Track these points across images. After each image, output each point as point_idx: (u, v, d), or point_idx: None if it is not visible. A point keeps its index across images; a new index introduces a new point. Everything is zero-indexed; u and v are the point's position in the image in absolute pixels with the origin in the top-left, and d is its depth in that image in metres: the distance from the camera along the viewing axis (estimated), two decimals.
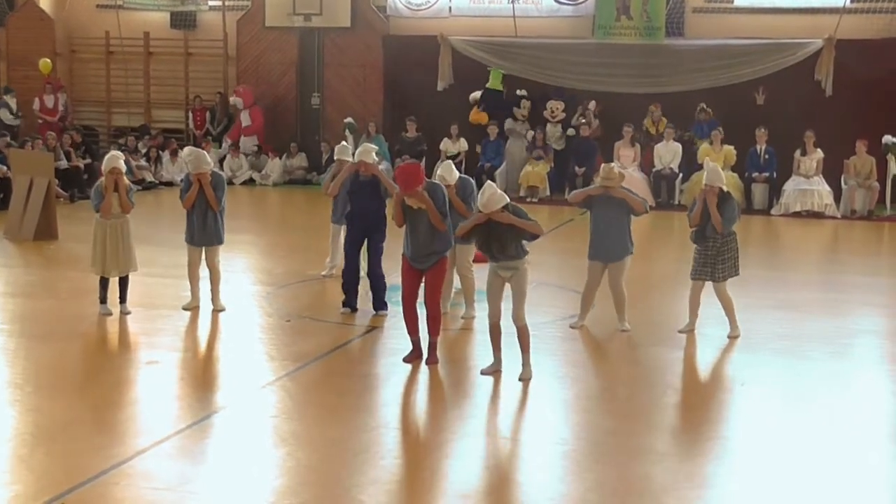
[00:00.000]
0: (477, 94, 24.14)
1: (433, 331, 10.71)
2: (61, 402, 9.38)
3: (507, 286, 10.26)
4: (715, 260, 11.80)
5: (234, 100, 25.69)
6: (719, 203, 11.66)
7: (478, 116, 23.93)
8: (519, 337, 10.27)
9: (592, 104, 23.62)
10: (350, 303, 12.76)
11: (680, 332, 12.03)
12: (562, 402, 9.85)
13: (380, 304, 12.70)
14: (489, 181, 11.09)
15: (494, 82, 24.28)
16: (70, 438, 8.42)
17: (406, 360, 10.67)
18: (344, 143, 15.27)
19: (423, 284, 10.74)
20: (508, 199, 10.10)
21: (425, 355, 10.68)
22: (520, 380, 10.15)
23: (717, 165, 12.61)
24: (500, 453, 8.65)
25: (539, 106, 24.21)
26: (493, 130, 24.03)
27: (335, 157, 14.17)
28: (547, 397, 9.92)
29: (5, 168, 20.24)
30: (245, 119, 25.70)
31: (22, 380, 9.92)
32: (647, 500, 7.51)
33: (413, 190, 10.31)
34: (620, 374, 10.77)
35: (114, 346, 11.64)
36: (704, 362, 11.33)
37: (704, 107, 22.99)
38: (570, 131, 23.69)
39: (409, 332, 10.78)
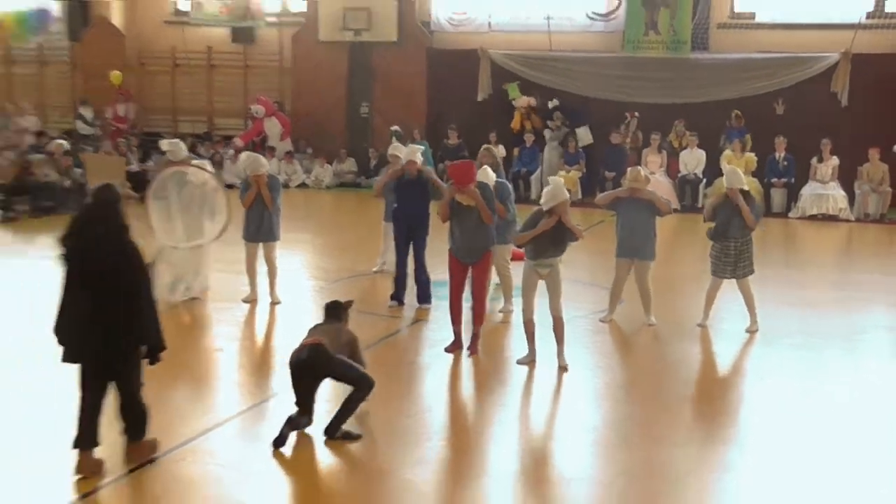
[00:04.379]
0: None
1: (477, 322, 10.79)
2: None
3: (541, 283, 10.33)
4: (737, 259, 11.82)
5: (254, 108, 25.76)
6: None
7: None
8: (555, 328, 10.33)
9: (636, 114, 23.54)
10: (398, 296, 12.85)
11: (699, 325, 12.07)
12: (592, 391, 9.89)
13: (424, 297, 12.77)
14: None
15: (513, 94, 24.43)
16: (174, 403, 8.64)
17: (448, 349, 10.75)
18: (396, 143, 15.29)
19: (469, 278, 10.84)
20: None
21: (466, 345, 10.76)
22: (559, 368, 10.24)
23: (736, 168, 12.59)
24: (534, 438, 8.72)
25: (573, 118, 24.20)
26: (529, 138, 24.06)
27: (388, 153, 14.13)
28: (578, 386, 9.95)
29: (81, 172, 20.49)
30: (272, 127, 25.74)
31: None
32: (670, 484, 7.56)
33: (467, 186, 10.41)
34: (646, 366, 10.80)
35: (182, 335, 11.77)
36: (724, 356, 11.32)
37: (739, 113, 22.90)
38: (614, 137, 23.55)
39: (452, 323, 10.86)
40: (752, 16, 24.01)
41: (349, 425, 8.17)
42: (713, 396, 9.95)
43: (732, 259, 11.82)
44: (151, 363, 7.45)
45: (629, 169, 12.40)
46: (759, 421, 9.03)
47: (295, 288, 13.68)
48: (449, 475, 7.69)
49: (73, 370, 7.33)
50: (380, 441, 8.26)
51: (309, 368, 8.01)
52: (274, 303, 12.84)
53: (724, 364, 11.18)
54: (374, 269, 14.69)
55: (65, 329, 7.21)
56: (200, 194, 12.68)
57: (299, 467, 7.66)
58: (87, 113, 26.00)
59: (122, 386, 7.36)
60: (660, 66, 23.77)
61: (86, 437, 7.28)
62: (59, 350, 7.28)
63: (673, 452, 8.13)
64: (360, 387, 8.14)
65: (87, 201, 7.58)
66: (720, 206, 11.88)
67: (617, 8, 24.44)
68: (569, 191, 22.60)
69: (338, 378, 8.18)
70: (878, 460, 8.19)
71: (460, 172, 10.54)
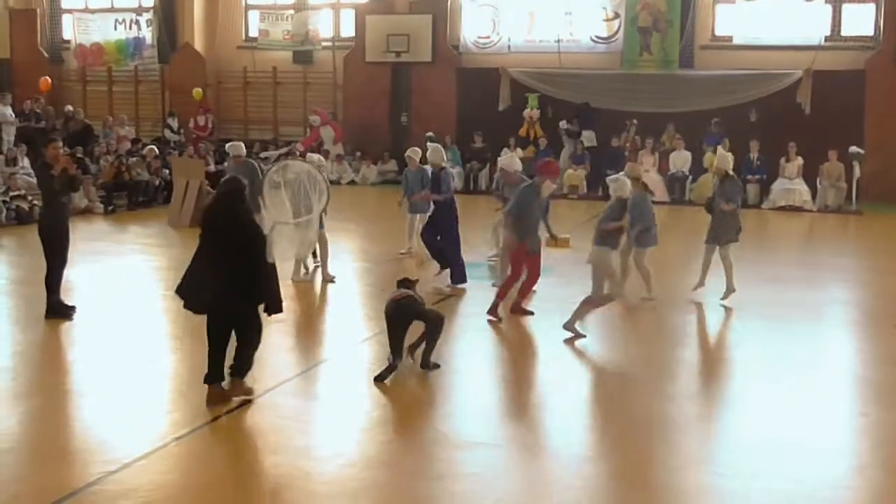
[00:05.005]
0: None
1: (504, 293, 10.77)
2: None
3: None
4: (718, 228, 11.79)
5: (312, 118, 25.71)
6: (723, 182, 11.91)
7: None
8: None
9: (635, 121, 23.40)
10: (459, 279, 12.50)
11: (693, 289, 11.97)
12: (593, 354, 9.82)
13: (459, 278, 12.48)
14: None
15: (532, 104, 24.30)
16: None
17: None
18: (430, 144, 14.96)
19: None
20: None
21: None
22: None
23: (727, 154, 12.59)
24: (547, 395, 8.64)
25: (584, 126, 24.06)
26: (543, 142, 23.94)
27: (406, 154, 14.48)
28: (580, 351, 9.89)
29: (167, 171, 20.60)
30: (327, 133, 25.71)
31: (182, 332, 10.09)
32: (668, 433, 7.48)
33: (556, 177, 10.71)
34: (643, 333, 10.70)
35: None
36: (708, 325, 11.25)
37: (718, 121, 22.72)
38: (614, 141, 23.36)
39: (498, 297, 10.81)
40: (730, 39, 23.80)
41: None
42: (699, 360, 9.90)
43: (715, 228, 11.82)
44: (269, 315, 7.88)
45: (627, 164, 12.41)
46: (738, 380, 8.97)
47: (343, 269, 13.62)
48: (473, 423, 7.59)
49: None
50: (416, 398, 8.23)
51: (404, 313, 8.66)
52: (326, 280, 12.76)
53: (707, 332, 11.11)
54: (402, 252, 14.61)
55: (190, 288, 7.70)
56: (303, 181, 12.32)
57: (346, 420, 7.64)
58: (173, 123, 26.09)
59: (240, 334, 7.79)
60: (652, 81, 23.64)
61: (213, 374, 7.77)
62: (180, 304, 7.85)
63: (668, 406, 8.06)
64: (438, 325, 8.83)
65: (218, 190, 8.26)
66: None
67: (616, 33, 24.33)
68: (575, 187, 22.65)
69: (423, 318, 8.79)
70: (833, 409, 8.11)
71: (553, 166, 10.93)
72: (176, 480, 6.44)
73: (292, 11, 27.07)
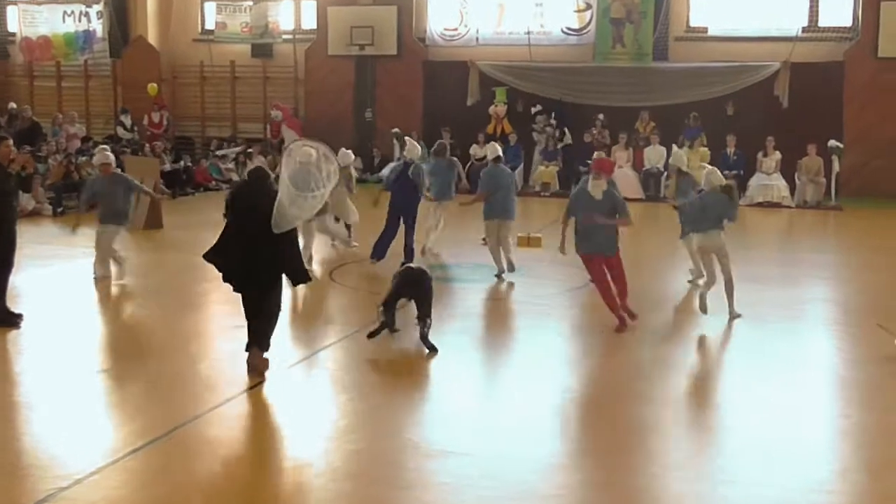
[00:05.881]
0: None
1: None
2: (169, 357, 9.46)
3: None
4: (681, 222, 12.31)
5: (274, 113, 25.64)
6: (677, 179, 13.02)
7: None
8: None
9: (601, 116, 23.50)
10: (377, 255, 13.67)
11: (689, 282, 12.54)
12: (568, 358, 9.83)
13: (379, 254, 13.61)
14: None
15: (500, 98, 24.32)
16: (176, 387, 8.51)
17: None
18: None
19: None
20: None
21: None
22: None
23: (681, 151, 13.68)
24: (521, 400, 8.62)
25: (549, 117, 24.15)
26: (513, 138, 23.97)
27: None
28: (557, 354, 9.90)
29: (120, 171, 20.38)
30: (288, 131, 25.62)
31: (137, 339, 10.02)
32: (647, 438, 7.50)
33: (610, 174, 10.75)
34: (619, 335, 10.62)
35: (207, 314, 11.71)
36: (684, 325, 11.28)
37: (696, 115, 22.87)
38: (586, 136, 23.48)
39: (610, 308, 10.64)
40: (705, 30, 23.93)
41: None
42: (673, 360, 9.89)
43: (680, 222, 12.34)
44: (294, 285, 9.24)
45: (594, 155, 12.88)
46: (713, 381, 9.01)
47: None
48: (445, 432, 7.59)
49: None
50: (383, 404, 8.20)
51: (416, 282, 9.75)
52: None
53: (683, 332, 11.12)
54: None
55: (223, 260, 8.69)
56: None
57: (312, 429, 7.59)
58: (126, 120, 25.85)
59: (263, 307, 8.74)
60: (626, 75, 23.73)
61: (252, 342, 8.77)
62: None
63: (640, 409, 8.08)
64: (429, 313, 9.65)
65: (244, 176, 9.66)
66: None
67: (588, 24, 24.39)
68: (548, 184, 22.74)
69: (426, 297, 9.71)
70: (810, 406, 8.20)
71: (608, 163, 11.13)
72: (131, 495, 6.36)
73: (251, 3, 26.91)
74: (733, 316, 10.99)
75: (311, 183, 8.68)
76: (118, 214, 12.78)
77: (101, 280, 12.58)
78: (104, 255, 12.69)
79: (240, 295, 8.81)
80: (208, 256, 8.78)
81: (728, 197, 11.05)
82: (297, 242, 8.97)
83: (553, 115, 23.97)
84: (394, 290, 9.83)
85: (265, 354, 8.81)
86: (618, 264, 10.66)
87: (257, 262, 8.54)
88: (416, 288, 9.76)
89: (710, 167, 12.47)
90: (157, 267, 14.17)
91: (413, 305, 9.74)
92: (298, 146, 9.19)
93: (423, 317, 9.62)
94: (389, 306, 9.71)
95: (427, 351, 9.47)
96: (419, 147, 14.26)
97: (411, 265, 10.38)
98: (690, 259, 12.70)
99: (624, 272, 10.74)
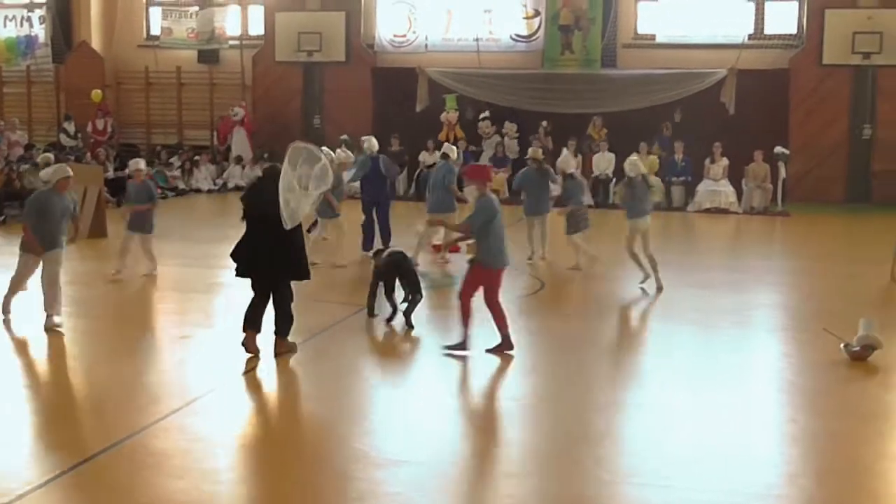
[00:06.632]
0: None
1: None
2: (114, 369, 9.32)
3: None
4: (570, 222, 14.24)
5: (235, 110, 25.46)
6: (564, 181, 14.54)
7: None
8: None
9: (545, 123, 23.60)
10: (366, 247, 14.63)
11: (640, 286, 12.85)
12: (517, 365, 9.84)
13: (367, 245, 14.57)
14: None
15: (450, 105, 24.34)
16: (119, 399, 8.39)
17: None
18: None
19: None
20: None
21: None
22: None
23: (571, 155, 15.64)
24: (471, 409, 8.63)
25: (499, 125, 24.22)
26: (462, 145, 23.98)
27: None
28: (508, 362, 9.91)
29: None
30: (241, 138, 25.51)
31: (80, 351, 9.87)
32: (597, 445, 7.50)
33: (484, 181, 9.97)
34: (568, 341, 10.69)
35: (153, 324, 11.59)
36: (634, 332, 11.37)
37: (668, 125, 23.07)
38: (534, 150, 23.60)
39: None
40: (653, 37, 24.18)
41: None
42: (622, 366, 9.99)
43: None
44: (300, 280, 9.60)
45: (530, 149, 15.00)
46: (663, 387, 9.04)
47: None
48: (387, 440, 7.57)
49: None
50: (336, 412, 8.15)
51: (395, 264, 10.60)
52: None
53: (630, 338, 11.22)
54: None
55: (241, 254, 9.43)
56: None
57: (260, 441, 7.52)
58: (69, 127, 25.52)
59: (276, 296, 9.47)
60: (575, 81, 23.85)
61: (251, 321, 9.49)
62: (234, 266, 9.52)
63: (591, 416, 8.11)
64: (419, 289, 10.65)
65: (258, 175, 10.25)
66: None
67: (537, 31, 24.54)
68: (497, 191, 22.89)
69: (408, 276, 10.63)
70: (757, 412, 8.29)
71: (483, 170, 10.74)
72: None
73: (197, 8, 26.71)
74: (660, 287, 12.66)
75: (312, 181, 9.28)
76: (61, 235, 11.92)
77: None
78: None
79: (249, 282, 9.53)
80: (234, 255, 9.50)
81: (648, 184, 13.09)
82: (304, 241, 9.65)
83: (495, 122, 24.04)
84: (374, 276, 10.74)
85: (289, 339, 9.59)
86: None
87: (272, 258, 9.26)
88: (396, 269, 10.63)
89: (631, 158, 13.80)
90: (98, 277, 13.96)
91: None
92: (300, 148, 9.50)
93: (412, 294, 10.52)
94: (372, 293, 10.69)
95: (406, 327, 10.45)
96: (374, 141, 15.61)
97: (388, 249, 11.34)
98: (578, 252, 14.19)
99: None
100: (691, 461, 7.09)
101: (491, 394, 8.73)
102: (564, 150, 16.03)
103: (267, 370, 9.33)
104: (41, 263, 10.85)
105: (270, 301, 9.54)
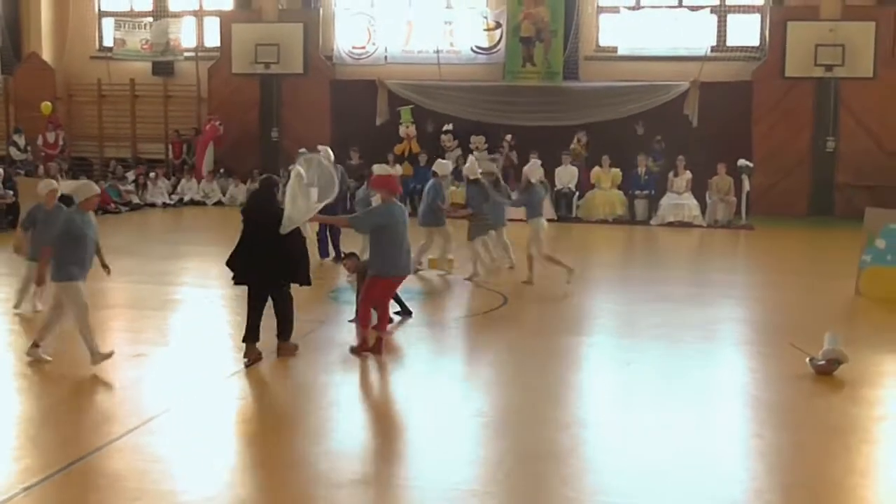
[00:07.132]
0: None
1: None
2: (64, 388, 9.22)
3: None
4: (472, 227, 14.86)
5: (218, 124, 25.41)
6: (468, 187, 15.03)
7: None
8: None
9: (508, 137, 23.68)
10: (323, 254, 15.83)
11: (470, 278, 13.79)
12: (481, 381, 9.84)
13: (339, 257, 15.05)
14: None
15: (405, 118, 24.37)
16: (70, 420, 8.28)
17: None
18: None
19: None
20: None
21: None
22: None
23: (474, 161, 15.84)
24: (432, 427, 8.59)
25: (463, 139, 24.25)
26: (422, 158, 24.01)
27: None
28: (467, 378, 9.90)
29: (12, 193, 19.92)
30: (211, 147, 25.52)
31: (30, 370, 9.73)
32: (561, 463, 7.48)
33: (391, 191, 10.12)
34: (530, 357, 10.70)
35: (106, 342, 11.42)
36: (596, 346, 11.38)
37: (659, 139, 23.22)
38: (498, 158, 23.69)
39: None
40: (615, 49, 24.40)
41: None
42: (588, 383, 9.99)
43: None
44: (301, 285, 9.98)
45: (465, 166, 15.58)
46: (628, 403, 9.07)
47: (210, 294, 13.39)
48: (350, 463, 7.53)
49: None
50: (291, 438, 8.10)
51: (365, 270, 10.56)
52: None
53: (595, 354, 11.21)
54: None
55: (237, 262, 9.77)
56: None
57: (218, 461, 7.46)
58: (19, 140, 25.31)
59: (276, 300, 9.91)
60: (536, 93, 24.03)
61: (250, 335, 9.85)
62: (230, 276, 9.92)
63: (555, 433, 8.11)
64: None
65: (256, 186, 11.12)
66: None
67: (498, 43, 24.66)
68: (460, 205, 23.04)
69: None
70: (722, 426, 8.31)
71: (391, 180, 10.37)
72: None
73: (151, 19, 26.61)
74: (511, 266, 14.88)
75: (316, 192, 9.64)
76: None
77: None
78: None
79: (247, 291, 9.89)
80: (229, 263, 9.81)
81: (545, 188, 14.68)
82: (305, 247, 10.03)
83: (458, 136, 24.10)
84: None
85: (291, 340, 10.07)
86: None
87: (270, 267, 9.63)
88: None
89: (470, 158, 15.15)
90: (49, 295, 13.76)
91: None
92: (310, 157, 10.22)
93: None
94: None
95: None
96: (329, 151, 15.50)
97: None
98: (477, 258, 14.66)
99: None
100: (657, 477, 7.10)
101: (450, 412, 8.69)
102: (532, 158, 16.04)
103: (226, 386, 9.26)
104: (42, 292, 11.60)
105: (271, 304, 9.94)
